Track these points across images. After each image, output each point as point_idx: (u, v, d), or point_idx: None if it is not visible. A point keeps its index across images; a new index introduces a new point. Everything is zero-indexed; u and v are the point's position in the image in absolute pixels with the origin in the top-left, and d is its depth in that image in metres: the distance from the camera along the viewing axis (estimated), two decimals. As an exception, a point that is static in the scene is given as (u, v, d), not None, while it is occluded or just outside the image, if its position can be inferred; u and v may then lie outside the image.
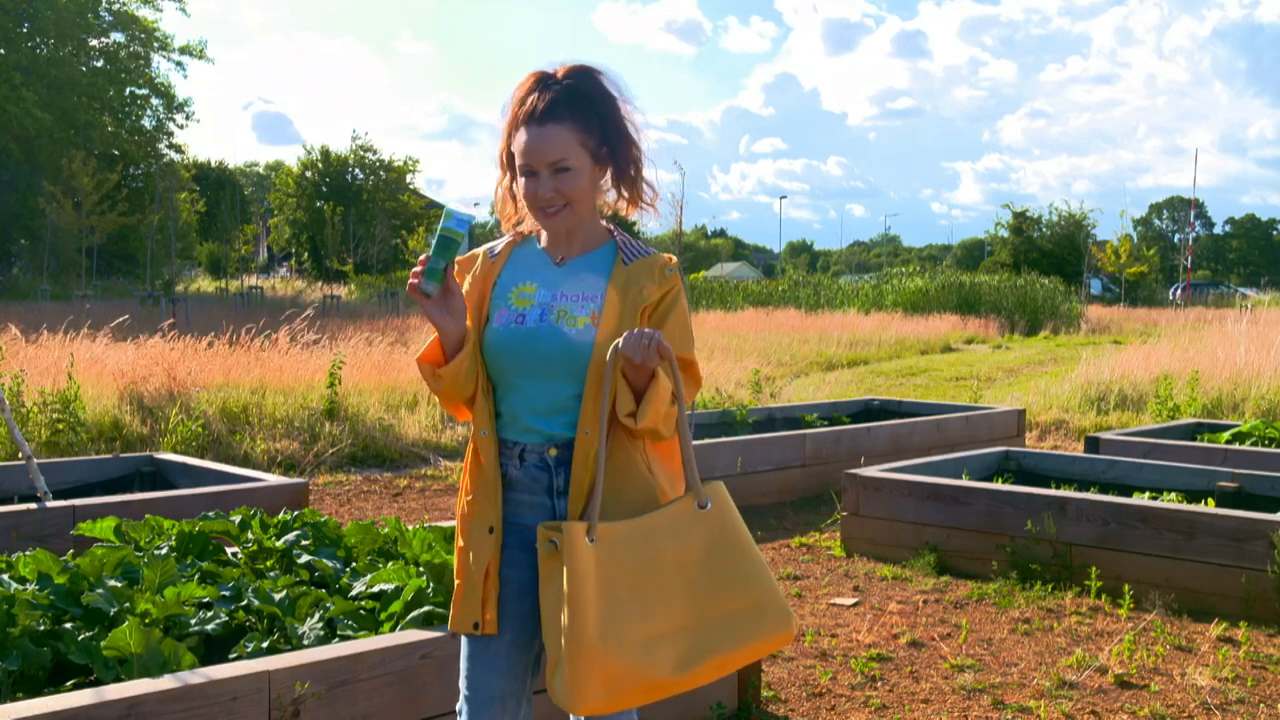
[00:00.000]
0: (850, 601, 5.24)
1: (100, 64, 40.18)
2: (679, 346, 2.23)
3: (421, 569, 3.48)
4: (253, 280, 40.75)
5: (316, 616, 3.28)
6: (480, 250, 2.37)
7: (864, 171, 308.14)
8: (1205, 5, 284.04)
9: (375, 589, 3.46)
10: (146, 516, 4.03)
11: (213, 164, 59.79)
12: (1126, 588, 5.10)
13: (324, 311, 22.23)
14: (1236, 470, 6.44)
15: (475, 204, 2.32)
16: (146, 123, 42.29)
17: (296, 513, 4.11)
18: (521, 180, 2.22)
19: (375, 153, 49.60)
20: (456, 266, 2.31)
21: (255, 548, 3.85)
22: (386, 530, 3.95)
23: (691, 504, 2.18)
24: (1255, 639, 4.70)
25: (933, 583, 5.56)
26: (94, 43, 40.15)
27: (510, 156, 2.25)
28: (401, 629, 3.25)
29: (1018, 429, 9.69)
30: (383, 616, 3.33)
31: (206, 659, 3.12)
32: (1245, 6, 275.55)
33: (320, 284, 41.53)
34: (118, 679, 2.84)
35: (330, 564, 3.68)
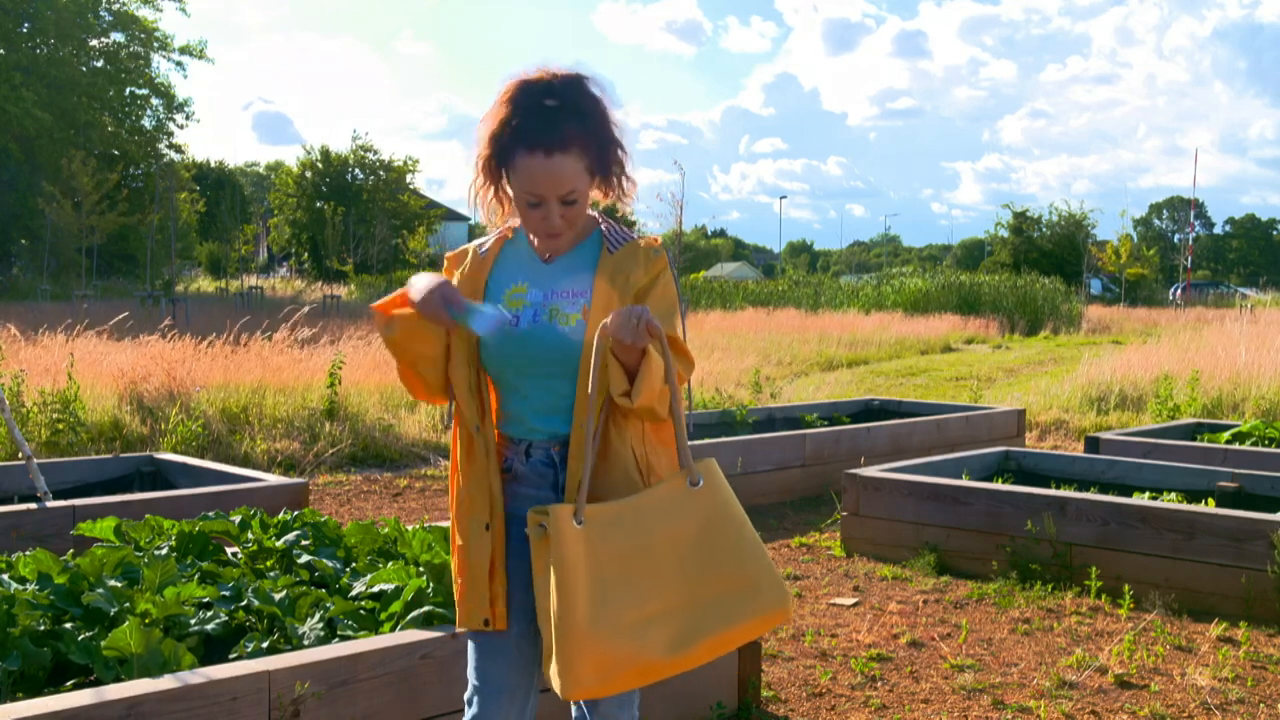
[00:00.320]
0: (850, 601, 5.24)
1: (100, 64, 40.18)
2: (666, 324, 2.21)
3: (421, 569, 3.48)
4: (253, 280, 40.73)
5: (316, 616, 3.28)
6: (470, 247, 2.36)
7: (864, 171, 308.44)
8: (1205, 5, 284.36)
9: (375, 589, 3.46)
10: (146, 516, 4.03)
11: (213, 164, 59.80)
12: (1126, 588, 5.10)
13: (324, 311, 22.24)
14: (1236, 470, 6.44)
15: (511, 318, 2.25)
16: (146, 123, 42.28)
17: (296, 513, 4.11)
18: (529, 210, 2.18)
19: (375, 153, 49.59)
20: (446, 264, 2.33)
21: (255, 548, 3.85)
22: (386, 530, 3.95)
23: (683, 482, 2.15)
24: (1255, 639, 4.70)
25: (933, 583, 5.56)
26: (94, 43, 40.14)
27: (496, 166, 2.21)
28: (401, 629, 3.25)
29: (1018, 429, 9.69)
30: (383, 616, 3.34)
31: (206, 659, 3.12)
32: (1245, 6, 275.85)
33: (320, 284, 41.51)
34: (118, 679, 2.84)
35: (330, 564, 3.68)
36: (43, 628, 3.09)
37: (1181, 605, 5.05)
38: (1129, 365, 13.02)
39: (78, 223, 32.24)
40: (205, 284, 45.41)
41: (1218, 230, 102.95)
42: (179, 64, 43.67)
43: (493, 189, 2.26)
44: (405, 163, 49.97)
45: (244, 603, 3.35)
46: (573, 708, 2.45)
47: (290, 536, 3.89)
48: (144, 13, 40.72)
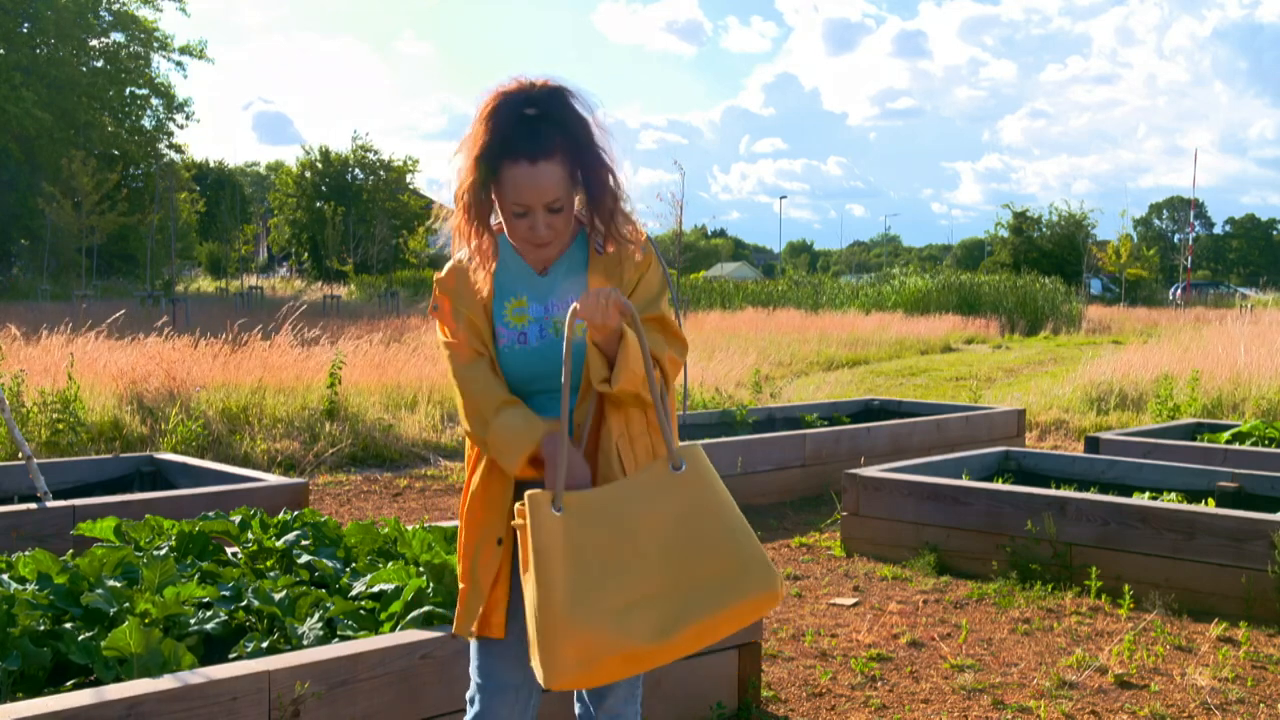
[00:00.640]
0: (850, 601, 5.24)
1: (100, 64, 40.20)
2: (652, 306, 2.21)
3: (421, 569, 3.48)
4: (253, 280, 40.76)
5: (316, 616, 3.28)
6: (458, 266, 2.29)
7: (864, 171, 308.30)
8: (1205, 5, 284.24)
9: (375, 589, 3.46)
10: (146, 516, 4.03)
11: (212, 164, 59.82)
12: (1126, 588, 5.10)
13: (324, 311, 22.23)
14: (1236, 470, 6.44)
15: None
16: (146, 123, 42.31)
17: (296, 513, 4.11)
18: (515, 220, 2.16)
19: (375, 153, 49.65)
20: (438, 289, 2.28)
21: (255, 548, 3.85)
22: (386, 530, 3.95)
23: (666, 467, 2.12)
24: (1255, 639, 4.70)
25: (933, 583, 5.56)
26: (94, 43, 40.17)
27: (477, 197, 2.16)
28: (401, 629, 3.25)
29: (1018, 429, 9.69)
30: (383, 616, 3.34)
31: (206, 659, 3.12)
32: (1245, 6, 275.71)
33: (320, 284, 41.53)
34: (118, 679, 2.84)
35: (330, 564, 3.68)
36: (43, 628, 3.09)
37: (1181, 605, 5.05)
38: (1129, 365, 13.02)
39: (78, 223, 32.25)
40: (205, 284, 45.43)
41: (1218, 230, 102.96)
42: (179, 64, 43.76)
43: (475, 228, 2.20)
44: (405, 163, 50.02)
45: (244, 603, 3.35)
46: (576, 705, 2.45)
47: (290, 536, 3.90)
48: (144, 13, 40.78)
